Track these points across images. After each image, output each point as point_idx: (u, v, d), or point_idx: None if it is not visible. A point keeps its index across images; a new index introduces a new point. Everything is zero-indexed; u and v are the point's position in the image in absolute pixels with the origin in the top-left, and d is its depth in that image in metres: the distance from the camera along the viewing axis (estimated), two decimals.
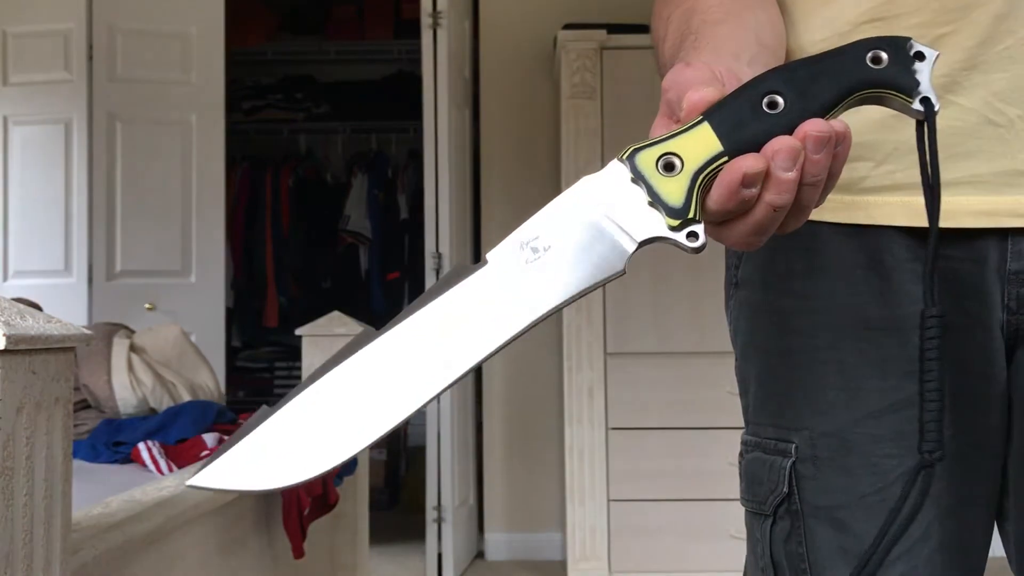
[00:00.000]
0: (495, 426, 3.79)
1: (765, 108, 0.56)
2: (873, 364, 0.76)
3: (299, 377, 4.22)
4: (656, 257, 3.68)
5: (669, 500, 3.24)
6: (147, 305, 3.73)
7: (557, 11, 3.74)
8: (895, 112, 0.73)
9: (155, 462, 1.90)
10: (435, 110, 3.52)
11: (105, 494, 1.40)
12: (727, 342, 0.93)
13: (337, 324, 2.42)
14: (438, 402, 3.53)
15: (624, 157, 0.57)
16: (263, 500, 1.86)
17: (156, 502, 1.34)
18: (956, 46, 0.71)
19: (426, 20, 3.52)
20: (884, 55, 0.57)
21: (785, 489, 0.79)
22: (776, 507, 0.80)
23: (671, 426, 3.23)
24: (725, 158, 0.56)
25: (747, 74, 0.60)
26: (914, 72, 0.57)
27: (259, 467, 0.51)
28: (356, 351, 0.55)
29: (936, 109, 0.57)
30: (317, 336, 2.42)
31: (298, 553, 1.87)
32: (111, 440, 2.03)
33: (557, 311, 0.55)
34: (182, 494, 1.43)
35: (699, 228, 0.56)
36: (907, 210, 0.75)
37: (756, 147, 0.55)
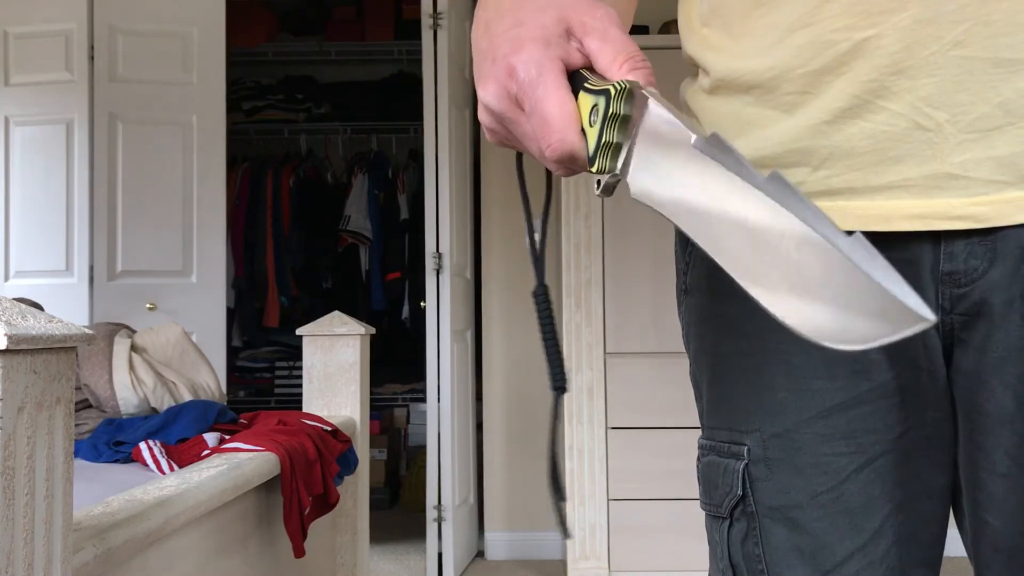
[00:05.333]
0: (495, 426, 3.80)
1: None
2: (820, 365, 0.77)
3: (299, 377, 4.22)
4: (656, 257, 3.69)
5: (669, 500, 3.24)
6: (148, 305, 3.73)
7: None
8: (828, 119, 0.74)
9: (156, 462, 1.90)
10: (435, 110, 3.52)
11: (106, 493, 1.40)
12: None
13: (338, 324, 2.42)
14: (438, 401, 3.54)
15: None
16: (264, 500, 1.86)
17: (157, 501, 1.35)
18: (881, 50, 0.72)
19: (426, 21, 3.52)
20: None
21: (739, 491, 0.80)
22: (732, 509, 0.81)
23: (671, 426, 3.23)
24: None
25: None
26: None
27: None
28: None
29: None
30: (318, 336, 2.43)
31: (299, 552, 1.87)
32: (112, 440, 2.03)
33: None
34: (183, 494, 1.43)
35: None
36: (843, 215, 0.75)
37: None
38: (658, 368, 3.27)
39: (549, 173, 0.70)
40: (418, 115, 3.68)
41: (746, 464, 0.80)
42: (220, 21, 3.87)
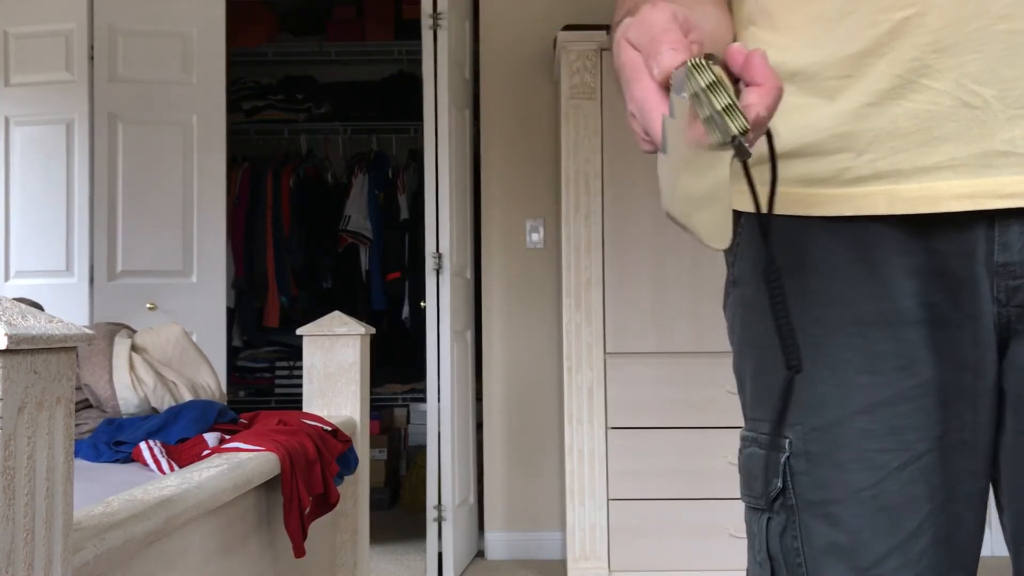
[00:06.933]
0: (495, 426, 3.80)
1: None
2: (864, 359, 0.77)
3: (299, 377, 4.21)
4: (656, 257, 3.68)
5: (669, 500, 3.24)
6: (148, 305, 3.73)
7: (557, 12, 3.74)
8: (870, 101, 0.74)
9: (156, 461, 1.90)
10: (435, 110, 3.52)
11: (106, 493, 1.40)
12: (726, 342, 0.94)
13: (338, 324, 2.42)
14: (438, 401, 3.54)
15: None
16: (264, 500, 1.86)
17: (157, 501, 1.35)
18: (922, 28, 0.71)
19: (426, 21, 3.52)
20: None
21: (780, 484, 0.80)
22: (771, 502, 0.81)
23: (671, 426, 3.23)
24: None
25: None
26: None
27: None
28: None
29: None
30: (318, 336, 2.43)
31: (299, 552, 1.87)
32: (112, 439, 2.03)
33: None
34: (183, 493, 1.43)
35: None
36: (890, 198, 0.74)
37: None
38: (658, 368, 3.27)
39: (772, 152, 0.70)
40: (418, 115, 3.68)
41: (787, 457, 0.80)
42: (220, 21, 3.87)
